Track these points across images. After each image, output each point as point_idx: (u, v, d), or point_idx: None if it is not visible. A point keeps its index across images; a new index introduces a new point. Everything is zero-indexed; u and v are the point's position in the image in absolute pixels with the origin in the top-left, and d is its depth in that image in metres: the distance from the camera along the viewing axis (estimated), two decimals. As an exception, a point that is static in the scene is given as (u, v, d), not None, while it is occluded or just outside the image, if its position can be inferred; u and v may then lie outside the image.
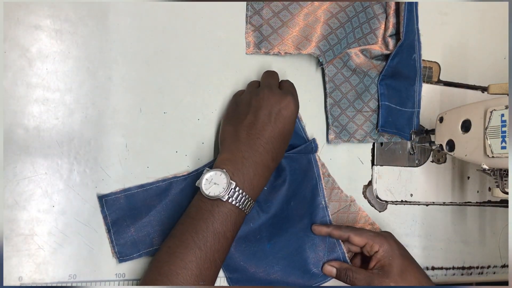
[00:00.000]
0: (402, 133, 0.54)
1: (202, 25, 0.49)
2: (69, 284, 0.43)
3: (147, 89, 0.46)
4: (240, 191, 0.40)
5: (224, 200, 0.40)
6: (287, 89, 0.45)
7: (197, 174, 0.46)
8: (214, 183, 0.40)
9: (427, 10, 0.57)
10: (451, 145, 0.48)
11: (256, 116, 0.43)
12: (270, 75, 0.48)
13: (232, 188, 0.40)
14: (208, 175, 0.40)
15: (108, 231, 0.44)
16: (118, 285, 0.45)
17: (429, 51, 0.57)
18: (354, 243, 0.48)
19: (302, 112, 0.51)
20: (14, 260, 0.42)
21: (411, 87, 0.55)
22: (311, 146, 0.50)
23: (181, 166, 0.47)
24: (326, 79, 0.52)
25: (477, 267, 0.61)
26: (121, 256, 0.44)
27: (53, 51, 0.44)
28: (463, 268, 0.60)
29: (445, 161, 0.59)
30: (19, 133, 0.42)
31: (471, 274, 0.60)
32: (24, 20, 0.43)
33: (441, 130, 0.50)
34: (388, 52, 0.52)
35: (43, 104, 0.43)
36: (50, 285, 0.43)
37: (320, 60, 0.51)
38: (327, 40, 0.50)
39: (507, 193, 0.45)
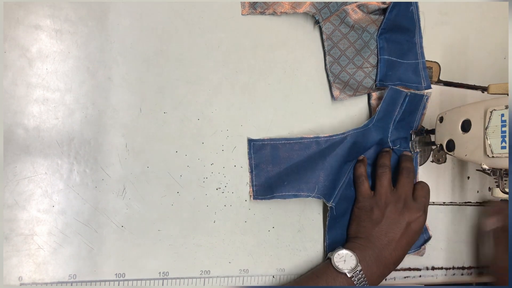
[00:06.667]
0: (409, 83, 0.54)
1: (202, 25, 0.49)
2: (69, 284, 0.43)
3: (147, 89, 0.46)
4: (363, 275, 0.46)
5: (348, 276, 0.45)
6: (421, 203, 0.50)
7: (337, 140, 0.50)
8: (344, 261, 0.46)
9: (427, 10, 0.57)
10: (451, 145, 0.48)
11: (387, 224, 0.48)
12: (407, 183, 0.51)
13: (357, 271, 0.45)
14: (342, 253, 0.47)
15: (251, 171, 0.49)
16: (118, 285, 0.45)
17: (429, 51, 0.57)
18: None
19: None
20: (14, 260, 0.42)
21: (412, 39, 0.55)
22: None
23: (181, 166, 0.47)
24: (324, 37, 0.52)
25: (477, 267, 0.61)
26: (257, 195, 0.49)
27: (53, 51, 0.44)
28: (463, 268, 0.60)
29: (445, 161, 0.59)
30: (19, 133, 0.42)
31: (471, 274, 0.60)
32: (24, 20, 0.43)
33: (441, 130, 0.50)
34: (385, 6, 0.52)
35: (43, 104, 0.43)
36: (50, 285, 0.43)
37: (317, 18, 0.51)
38: None
39: (507, 193, 0.45)
